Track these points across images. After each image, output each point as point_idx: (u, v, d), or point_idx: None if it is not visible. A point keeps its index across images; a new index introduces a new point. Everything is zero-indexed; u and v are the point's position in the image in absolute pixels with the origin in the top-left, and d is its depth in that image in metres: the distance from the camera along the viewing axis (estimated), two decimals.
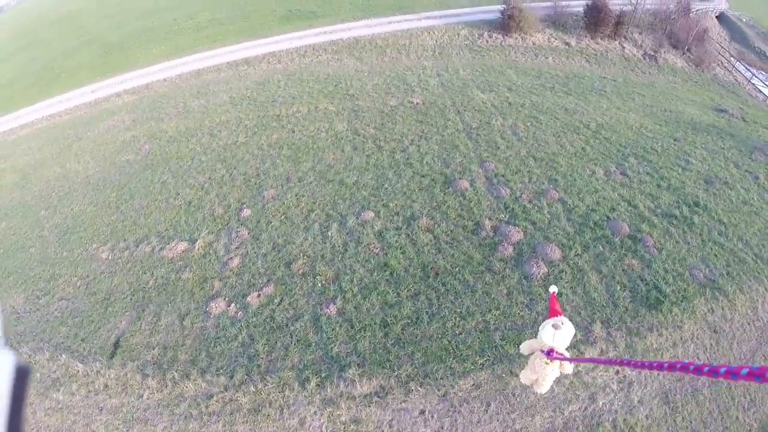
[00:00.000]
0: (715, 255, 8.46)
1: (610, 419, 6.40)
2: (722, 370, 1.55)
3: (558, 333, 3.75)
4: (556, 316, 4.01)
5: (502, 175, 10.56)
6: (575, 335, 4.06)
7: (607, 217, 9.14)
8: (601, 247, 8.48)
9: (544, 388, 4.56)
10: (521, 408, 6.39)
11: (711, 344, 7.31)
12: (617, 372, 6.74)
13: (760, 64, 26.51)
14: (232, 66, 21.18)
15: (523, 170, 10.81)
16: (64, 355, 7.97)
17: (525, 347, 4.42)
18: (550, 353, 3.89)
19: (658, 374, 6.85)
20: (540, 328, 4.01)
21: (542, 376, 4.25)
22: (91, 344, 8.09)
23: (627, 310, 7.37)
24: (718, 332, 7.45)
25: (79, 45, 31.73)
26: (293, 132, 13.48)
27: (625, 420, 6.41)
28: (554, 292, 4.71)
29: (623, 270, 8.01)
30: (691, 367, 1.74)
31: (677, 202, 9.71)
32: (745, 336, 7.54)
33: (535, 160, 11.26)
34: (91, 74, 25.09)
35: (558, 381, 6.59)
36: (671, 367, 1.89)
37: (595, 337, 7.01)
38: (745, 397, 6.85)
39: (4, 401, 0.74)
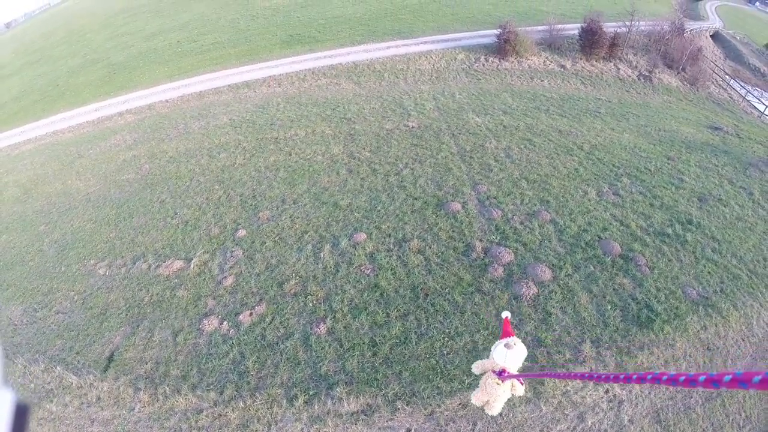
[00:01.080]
0: (709, 272, 8.57)
1: None
2: (701, 378, 1.42)
3: (510, 353, 3.75)
4: (509, 337, 4.00)
5: (494, 197, 10.81)
6: (527, 358, 4.05)
7: (599, 237, 9.31)
8: (592, 267, 8.62)
9: (495, 409, 4.58)
10: (508, 428, 6.42)
11: (704, 362, 7.31)
12: (607, 391, 6.75)
13: (755, 80, 27.24)
14: (233, 88, 21.72)
15: (516, 192, 11.07)
16: (58, 367, 8.06)
17: (477, 367, 4.43)
18: (501, 373, 3.89)
19: (656, 388, 6.83)
20: (492, 348, 4.03)
21: (493, 397, 4.22)
22: (86, 357, 8.19)
23: (617, 329, 7.46)
24: (712, 349, 7.46)
25: (85, 63, 32.57)
26: (290, 155, 13.82)
27: None
28: (507, 317, 4.68)
29: (614, 289, 8.13)
30: (664, 378, 1.60)
31: (670, 221, 9.85)
32: (740, 353, 7.55)
33: (527, 182, 11.53)
34: (96, 93, 25.71)
35: (528, 402, 6.70)
36: (640, 379, 1.75)
37: (585, 356, 7.07)
38: (740, 414, 6.80)
39: None
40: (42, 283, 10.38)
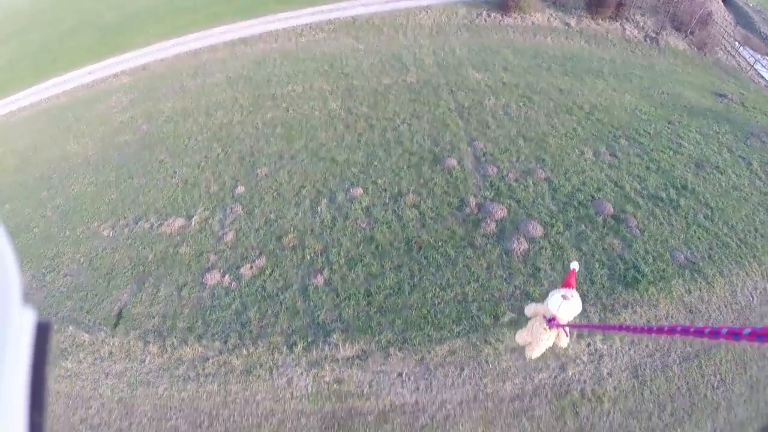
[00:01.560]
0: (699, 238, 8.58)
1: (579, 389, 6.80)
2: (724, 330, 1.56)
3: (565, 303, 3.77)
4: (569, 288, 4.00)
5: (491, 154, 10.75)
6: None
7: (592, 197, 9.29)
8: (583, 226, 8.68)
9: (536, 353, 4.56)
10: (493, 374, 6.84)
11: (685, 324, 7.43)
12: (588, 345, 7.08)
13: (765, 49, 26.01)
14: (229, 45, 21.10)
15: (512, 150, 10.97)
16: (71, 327, 8.47)
17: (529, 309, 4.48)
18: (551, 321, 3.92)
19: (636, 345, 7.09)
20: (549, 294, 4.02)
21: (537, 340, 4.24)
22: (96, 316, 8.60)
23: (604, 287, 7.63)
24: (694, 312, 7.63)
25: (77, 26, 31.47)
26: (287, 111, 13.66)
27: (593, 390, 6.79)
28: (575, 269, 4.69)
29: (603, 249, 8.23)
30: (692, 330, 1.77)
31: (665, 185, 9.74)
32: (722, 318, 7.71)
33: (524, 139, 11.39)
34: (89, 56, 25.00)
35: (513, 350, 6.99)
36: (671, 331, 1.94)
37: None
38: (715, 376, 7.11)
39: (27, 358, 0.75)
40: (48, 248, 10.65)
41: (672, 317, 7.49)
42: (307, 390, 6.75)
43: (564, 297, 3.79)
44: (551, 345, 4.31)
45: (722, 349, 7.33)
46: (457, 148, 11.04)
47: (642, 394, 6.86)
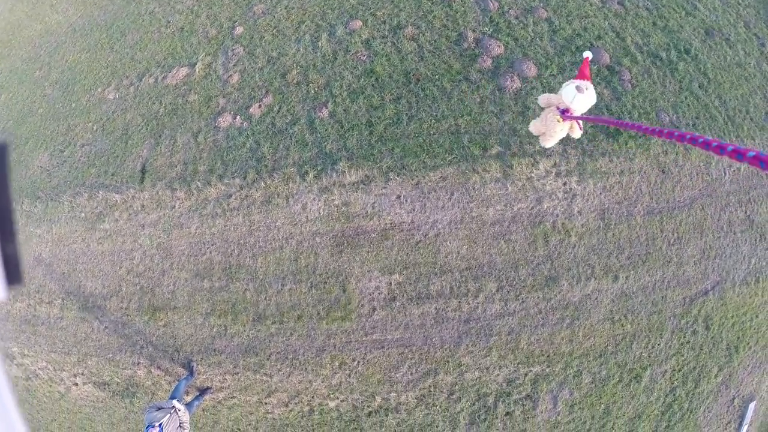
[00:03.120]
0: (688, 105, 8.43)
1: (551, 221, 7.71)
2: (729, 148, 1.59)
3: (579, 96, 3.67)
4: (585, 79, 3.87)
5: None
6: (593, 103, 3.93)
7: (591, 44, 8.95)
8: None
9: (549, 143, 4.67)
10: (478, 200, 7.73)
11: (656, 181, 8.00)
12: (564, 183, 7.78)
13: None
14: None
15: None
16: (100, 192, 9.21)
17: (543, 99, 4.41)
18: (565, 112, 3.84)
19: (608, 191, 7.70)
20: (563, 85, 3.95)
21: (550, 131, 4.27)
22: (121, 176, 9.26)
23: (586, 132, 7.87)
24: (666, 173, 8.01)
25: None
26: None
27: (563, 224, 7.70)
28: (588, 57, 4.54)
29: None
30: (699, 140, 1.82)
31: (668, 45, 9.21)
32: (690, 183, 8.10)
33: None
34: None
35: (497, 180, 7.72)
36: (680, 137, 1.99)
37: (552, 151, 7.84)
38: (673, 234, 7.87)
39: None
40: (58, 125, 10.85)
41: (644, 172, 7.95)
42: (319, 213, 7.83)
43: (578, 89, 3.67)
44: (564, 136, 4.32)
45: (684, 211, 8.06)
46: None
47: (605, 235, 7.75)
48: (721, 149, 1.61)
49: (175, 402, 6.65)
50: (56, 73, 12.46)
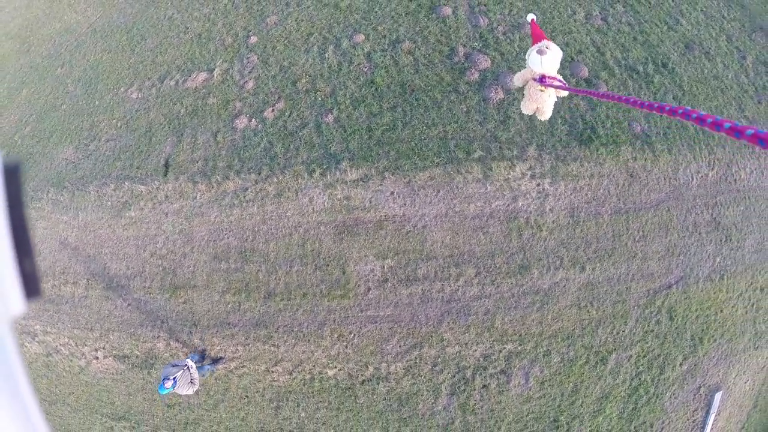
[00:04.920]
0: (660, 116, 8.74)
1: (525, 217, 8.54)
2: (726, 125, 1.46)
3: (544, 58, 3.63)
4: (540, 41, 3.85)
5: (485, 5, 10.71)
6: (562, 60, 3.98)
7: (571, 59, 9.55)
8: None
9: (546, 114, 4.55)
10: (461, 197, 8.65)
11: (624, 184, 8.56)
12: (538, 185, 8.54)
13: None
14: None
15: (506, 1, 10.86)
16: (126, 183, 9.87)
17: (518, 78, 4.37)
18: (542, 80, 3.80)
19: (578, 192, 8.33)
20: (526, 56, 3.95)
21: (540, 103, 4.24)
22: (146, 169, 9.93)
23: (561, 140, 8.61)
24: (634, 177, 8.55)
25: None
26: None
27: (535, 220, 8.51)
28: (533, 19, 4.57)
29: (569, 107, 8.88)
30: (694, 115, 1.67)
31: (646, 59, 9.57)
32: (658, 187, 8.57)
33: None
34: None
35: (478, 181, 8.40)
36: (672, 111, 1.84)
37: (528, 156, 8.57)
38: (639, 232, 8.47)
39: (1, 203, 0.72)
40: (82, 121, 11.32)
41: (613, 176, 8.51)
42: (324, 205, 8.90)
43: (540, 52, 3.66)
44: (556, 100, 4.34)
45: (650, 212, 8.58)
46: None
47: (574, 230, 8.51)
48: (717, 126, 1.49)
49: (188, 360, 7.86)
50: (78, 71, 12.99)
